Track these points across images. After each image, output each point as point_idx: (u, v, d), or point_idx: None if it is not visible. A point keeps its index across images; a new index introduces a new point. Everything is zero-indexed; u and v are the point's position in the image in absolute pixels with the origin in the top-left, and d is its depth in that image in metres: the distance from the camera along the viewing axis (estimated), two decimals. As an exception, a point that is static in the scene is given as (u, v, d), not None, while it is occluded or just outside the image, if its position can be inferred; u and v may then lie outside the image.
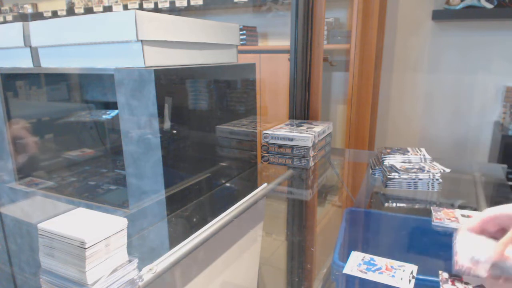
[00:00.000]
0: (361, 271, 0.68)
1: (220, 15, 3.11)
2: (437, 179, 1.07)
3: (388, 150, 1.24)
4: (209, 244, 0.76)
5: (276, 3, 2.79)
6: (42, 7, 4.00)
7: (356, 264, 0.70)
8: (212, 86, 1.06)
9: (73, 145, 1.42)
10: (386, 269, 0.68)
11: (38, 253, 0.59)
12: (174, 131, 0.91)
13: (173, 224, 0.91)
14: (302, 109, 1.61)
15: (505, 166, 1.27)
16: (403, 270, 0.67)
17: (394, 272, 0.67)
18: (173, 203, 0.93)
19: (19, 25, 1.06)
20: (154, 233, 0.91)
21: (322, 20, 1.56)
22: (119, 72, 0.88)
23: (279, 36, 2.91)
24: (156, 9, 3.07)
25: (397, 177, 1.08)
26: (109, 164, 1.40)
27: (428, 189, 1.07)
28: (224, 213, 0.86)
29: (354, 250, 0.75)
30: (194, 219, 0.94)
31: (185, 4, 2.93)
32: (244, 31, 2.71)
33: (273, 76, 2.37)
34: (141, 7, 3.13)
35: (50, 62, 1.03)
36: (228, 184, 1.17)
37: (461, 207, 0.94)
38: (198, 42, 1.04)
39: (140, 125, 0.88)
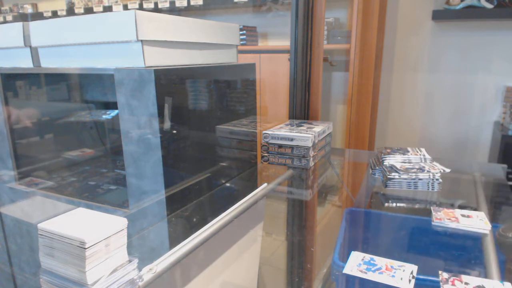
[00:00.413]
0: (361, 271, 0.68)
1: (220, 15, 3.11)
2: (437, 179, 1.07)
3: (388, 150, 1.24)
4: (209, 244, 0.76)
5: (276, 3, 2.79)
6: (42, 7, 4.00)
7: (356, 264, 0.70)
8: (212, 86, 1.06)
9: (73, 145, 1.41)
10: (386, 269, 0.68)
11: (38, 253, 0.59)
12: (174, 131, 0.91)
13: (173, 224, 0.91)
14: (302, 109, 1.61)
15: (505, 166, 1.27)
16: (403, 270, 0.67)
17: (394, 272, 0.67)
18: (173, 203, 0.93)
19: (19, 25, 1.06)
20: (154, 233, 0.91)
21: (322, 20, 1.56)
22: (119, 72, 0.88)
23: (279, 36, 2.91)
24: (156, 9, 3.07)
25: (397, 177, 1.08)
26: (109, 164, 1.40)
27: (428, 189, 1.07)
28: (224, 213, 0.86)
29: (354, 250, 0.75)
30: (194, 219, 0.94)
31: (185, 4, 2.93)
32: (244, 31, 2.71)
33: (273, 76, 2.37)
34: (141, 7, 3.13)
35: (50, 62, 1.03)
36: (228, 184, 1.17)
37: (461, 207, 0.94)
38: (198, 42, 1.04)
39: (140, 125, 0.88)
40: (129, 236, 0.61)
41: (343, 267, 0.69)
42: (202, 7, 2.90)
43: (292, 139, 1.28)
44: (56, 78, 1.35)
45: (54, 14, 3.66)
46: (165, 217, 0.92)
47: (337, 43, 2.46)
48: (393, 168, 1.11)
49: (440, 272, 0.65)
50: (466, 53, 2.33)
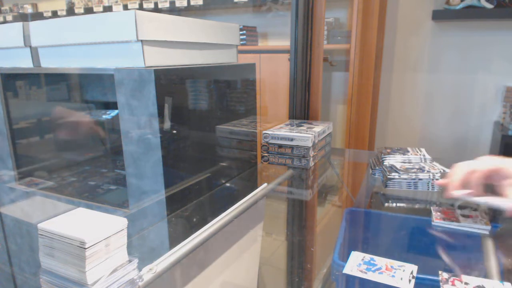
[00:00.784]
0: (361, 271, 0.68)
1: (220, 15, 3.11)
2: (437, 179, 1.07)
3: (388, 150, 1.24)
4: (209, 244, 0.76)
5: (276, 3, 2.79)
6: (42, 7, 4.00)
7: (356, 264, 0.70)
8: (212, 86, 1.06)
9: (73, 145, 1.41)
10: (386, 269, 0.68)
11: (38, 253, 0.59)
12: (174, 131, 0.92)
13: (173, 224, 0.91)
14: (302, 109, 1.61)
15: (505, 166, 1.26)
16: (403, 270, 0.67)
17: (394, 272, 0.67)
18: (173, 203, 0.93)
19: (19, 25, 1.06)
20: (154, 233, 0.91)
21: (322, 20, 1.56)
22: (119, 72, 0.88)
23: (279, 36, 2.91)
24: (156, 9, 3.07)
25: (397, 177, 1.08)
26: (109, 164, 1.40)
27: (428, 189, 1.07)
28: (224, 213, 0.86)
29: (354, 250, 0.75)
30: (194, 219, 0.94)
31: (185, 4, 2.93)
32: (244, 31, 2.71)
33: (273, 76, 2.37)
34: (141, 7, 3.13)
35: (50, 62, 1.03)
36: (228, 184, 1.17)
37: (461, 207, 0.94)
38: (198, 42, 1.04)
39: (140, 125, 0.88)
40: (129, 236, 0.61)
41: (343, 267, 0.69)
42: (202, 7, 2.90)
43: (292, 139, 1.28)
44: (56, 78, 1.35)
45: (54, 14, 3.66)
46: (165, 217, 0.92)
47: (337, 43, 2.46)
48: (393, 168, 1.11)
49: (440, 272, 0.65)
50: (466, 53, 2.33)
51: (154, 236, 0.90)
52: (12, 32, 1.07)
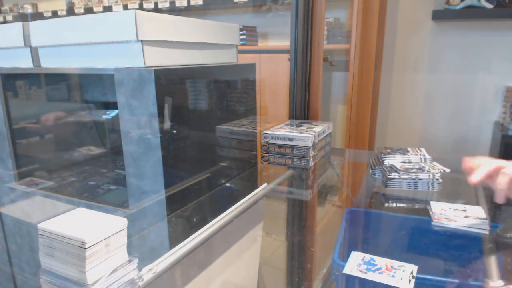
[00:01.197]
0: (361, 271, 0.68)
1: (220, 15, 3.11)
2: (437, 179, 1.07)
3: (388, 150, 1.24)
4: (209, 244, 0.76)
5: (276, 3, 2.79)
6: (42, 7, 4.00)
7: (356, 264, 0.70)
8: (212, 86, 1.06)
9: (73, 145, 1.41)
10: (386, 269, 0.68)
11: (38, 253, 0.59)
12: (174, 131, 0.91)
13: (173, 224, 0.91)
14: (302, 109, 1.61)
15: (505, 166, 1.26)
16: (403, 270, 0.67)
17: (394, 272, 0.67)
18: (173, 203, 0.93)
19: (19, 25, 1.06)
20: (154, 233, 0.91)
21: (322, 20, 1.56)
22: (119, 72, 0.88)
23: (279, 36, 2.91)
24: (156, 9, 3.07)
25: (397, 177, 1.08)
26: (109, 164, 1.40)
27: (428, 189, 1.07)
28: (224, 213, 0.86)
29: (354, 250, 0.75)
30: (194, 219, 0.94)
31: (185, 4, 2.93)
32: (244, 31, 2.71)
33: (273, 76, 2.37)
34: (141, 7, 3.13)
35: (50, 62, 1.03)
36: (228, 184, 1.17)
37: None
38: (198, 42, 1.04)
39: (140, 125, 0.88)
40: (129, 236, 0.61)
41: (343, 267, 0.69)
42: (202, 7, 2.90)
43: (292, 139, 1.28)
44: (56, 78, 1.35)
45: (54, 14, 3.66)
46: (165, 217, 0.92)
47: (337, 43, 2.46)
48: (393, 168, 1.11)
49: (485, 280, 0.64)
50: (466, 53, 2.33)
51: (154, 236, 0.90)
52: (12, 32, 1.07)
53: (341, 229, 0.88)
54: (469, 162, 0.85)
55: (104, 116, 1.43)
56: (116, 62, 0.91)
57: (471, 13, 2.15)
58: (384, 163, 1.15)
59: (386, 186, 1.08)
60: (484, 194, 1.06)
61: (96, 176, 1.27)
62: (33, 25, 1.02)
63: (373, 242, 0.90)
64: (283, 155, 1.31)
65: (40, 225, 0.58)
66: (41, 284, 0.58)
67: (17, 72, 1.17)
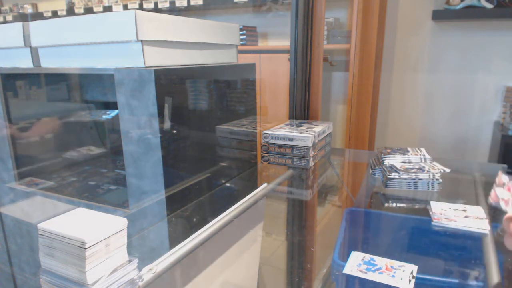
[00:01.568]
0: (361, 271, 0.68)
1: (220, 15, 3.11)
2: (437, 179, 1.07)
3: (388, 150, 1.24)
4: (209, 244, 0.76)
5: (276, 3, 2.79)
6: (42, 7, 4.00)
7: (356, 264, 0.70)
8: (212, 86, 1.06)
9: (73, 145, 1.41)
10: (386, 269, 0.68)
11: (38, 253, 0.59)
12: (174, 131, 0.91)
13: (173, 224, 0.91)
14: (302, 109, 1.61)
15: (505, 166, 1.27)
16: (403, 270, 0.67)
17: (394, 272, 0.67)
18: (173, 203, 0.93)
19: (19, 25, 1.06)
20: (154, 233, 0.91)
21: (322, 20, 1.56)
22: (119, 72, 0.88)
23: (279, 36, 2.91)
24: (156, 9, 3.07)
25: (397, 177, 1.08)
26: (109, 164, 1.40)
27: (428, 189, 1.07)
28: (224, 213, 0.86)
29: (354, 250, 0.75)
30: (194, 219, 0.94)
31: (185, 4, 2.93)
32: (244, 31, 2.71)
33: (273, 76, 2.37)
34: (141, 7, 3.13)
35: (50, 62, 1.03)
36: (228, 184, 1.17)
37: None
38: (198, 42, 1.04)
39: (140, 125, 0.88)
40: (129, 236, 0.61)
41: (343, 267, 0.69)
42: (202, 7, 2.90)
43: (292, 139, 1.28)
44: (56, 78, 1.35)
45: (54, 14, 3.66)
46: (165, 217, 0.92)
47: (337, 43, 2.46)
48: (393, 168, 1.11)
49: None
50: (466, 53, 2.33)
51: (154, 236, 0.90)
52: (12, 32, 1.07)
53: (341, 229, 0.88)
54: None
55: (104, 116, 1.43)
56: (116, 62, 0.91)
57: (471, 13, 2.15)
58: (384, 163, 1.15)
59: (386, 186, 1.08)
60: (484, 194, 1.06)
61: (96, 176, 1.27)
62: (33, 25, 1.02)
63: (373, 242, 0.90)
64: (283, 155, 1.31)
65: (40, 225, 0.58)
66: (41, 284, 0.58)
67: (17, 72, 1.17)
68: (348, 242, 0.84)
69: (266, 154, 1.33)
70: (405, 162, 1.15)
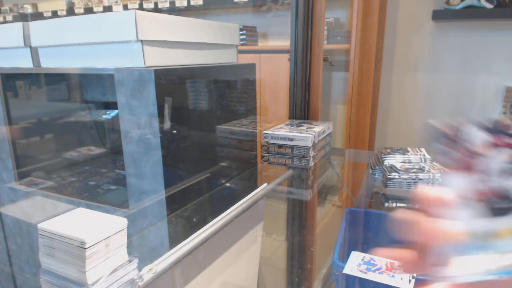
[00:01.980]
0: (361, 271, 0.68)
1: (220, 15, 3.11)
2: (437, 179, 1.07)
3: (388, 150, 1.24)
4: (209, 244, 0.76)
5: (276, 3, 2.79)
6: (42, 7, 4.00)
7: (356, 264, 0.70)
8: (212, 86, 1.06)
9: (73, 145, 1.42)
10: (386, 269, 0.68)
11: (38, 253, 0.59)
12: (174, 131, 0.92)
13: (173, 224, 0.91)
14: (302, 109, 1.61)
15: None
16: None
17: (394, 272, 0.67)
18: (173, 203, 0.93)
19: (19, 25, 1.06)
20: (154, 233, 0.91)
21: (322, 20, 1.56)
22: (119, 72, 0.88)
23: (279, 36, 2.91)
24: (156, 9, 3.07)
25: (397, 177, 1.08)
26: (109, 164, 1.40)
27: (428, 189, 1.07)
28: (224, 213, 0.86)
29: (354, 250, 0.75)
30: (194, 219, 0.94)
31: (185, 4, 2.93)
32: (244, 31, 2.71)
33: (273, 76, 2.37)
34: (141, 7, 3.13)
35: (50, 62, 1.03)
36: (228, 184, 1.17)
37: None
38: (198, 42, 1.04)
39: (140, 125, 0.88)
40: (129, 236, 0.61)
41: (343, 267, 0.69)
42: (202, 7, 2.90)
43: (292, 139, 1.28)
44: (56, 78, 1.35)
45: (54, 14, 3.66)
46: (165, 217, 0.92)
47: (337, 43, 2.46)
48: (393, 168, 1.11)
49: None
50: (466, 53, 2.33)
51: (154, 236, 0.90)
52: (12, 32, 1.07)
53: (341, 229, 0.88)
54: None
55: (104, 116, 1.43)
56: (116, 62, 0.91)
57: (471, 13, 2.15)
58: (384, 163, 1.15)
59: (386, 186, 1.08)
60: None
61: (96, 176, 1.27)
62: (33, 25, 1.02)
63: (373, 242, 0.90)
64: (283, 155, 1.31)
65: (40, 225, 0.58)
66: (41, 284, 0.58)
67: (17, 72, 1.17)
68: (348, 242, 0.84)
69: (266, 154, 1.33)
70: (405, 162, 1.15)
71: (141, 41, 0.86)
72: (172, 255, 0.68)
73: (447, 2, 2.21)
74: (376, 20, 2.13)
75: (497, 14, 2.09)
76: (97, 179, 1.25)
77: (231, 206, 0.89)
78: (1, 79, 1.15)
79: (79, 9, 3.54)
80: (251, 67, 1.26)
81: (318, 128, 1.38)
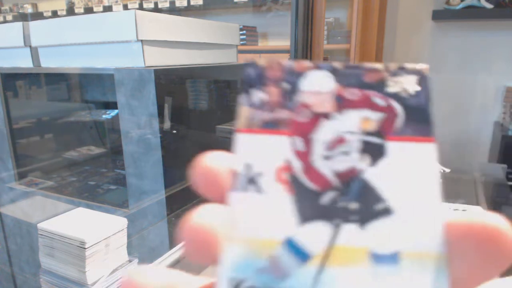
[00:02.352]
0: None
1: (220, 15, 3.11)
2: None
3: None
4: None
5: (276, 3, 2.79)
6: (42, 7, 3.99)
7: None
8: (212, 86, 1.06)
9: (73, 145, 1.41)
10: None
11: (38, 253, 0.59)
12: (174, 131, 0.91)
13: (173, 224, 0.91)
14: (302, 109, 1.61)
15: (505, 166, 1.27)
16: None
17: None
18: (173, 203, 0.93)
19: (19, 25, 1.06)
20: (154, 233, 0.91)
21: (322, 20, 1.56)
22: (119, 72, 0.88)
23: (279, 36, 2.91)
24: (156, 9, 3.06)
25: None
26: (109, 164, 1.40)
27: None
28: (224, 213, 0.86)
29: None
30: (194, 219, 0.94)
31: (185, 4, 2.93)
32: (244, 31, 2.71)
33: (273, 76, 2.37)
34: (141, 7, 3.13)
35: (50, 62, 1.03)
36: (228, 184, 1.17)
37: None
38: (198, 42, 1.04)
39: (140, 125, 0.88)
40: (129, 236, 0.61)
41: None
42: (202, 7, 2.90)
43: (292, 139, 1.27)
44: (56, 78, 1.35)
45: (54, 14, 3.66)
46: (165, 217, 0.92)
47: (337, 43, 2.46)
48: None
49: None
50: (466, 53, 2.33)
51: (154, 236, 0.90)
52: (12, 32, 1.07)
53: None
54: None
55: (104, 116, 1.43)
56: (116, 62, 0.90)
57: (471, 13, 2.15)
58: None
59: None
60: (484, 194, 1.06)
61: (96, 176, 1.27)
62: (33, 25, 1.02)
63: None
64: (283, 155, 1.30)
65: (40, 225, 0.58)
66: (41, 284, 0.58)
67: (17, 72, 1.17)
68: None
69: (266, 154, 1.33)
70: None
71: (141, 41, 0.86)
72: (172, 255, 0.68)
73: (447, 2, 2.21)
74: (376, 20, 2.13)
75: (497, 14, 2.09)
76: (97, 179, 1.25)
77: (231, 206, 0.89)
78: (1, 79, 1.15)
79: (79, 9, 3.53)
80: (251, 67, 1.26)
81: (318, 128, 1.38)
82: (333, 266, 0.13)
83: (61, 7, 3.68)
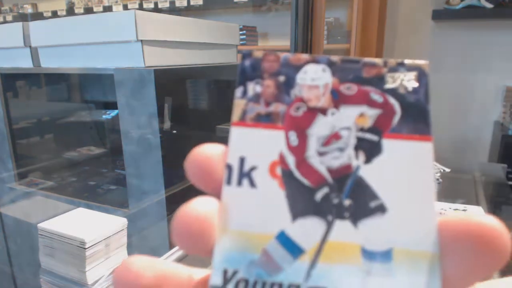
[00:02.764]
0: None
1: (220, 15, 3.11)
2: (437, 179, 1.07)
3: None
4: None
5: (276, 3, 2.79)
6: (42, 7, 3.99)
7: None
8: (212, 86, 1.06)
9: (73, 145, 1.42)
10: None
11: (38, 253, 0.59)
12: (174, 131, 0.91)
13: (173, 224, 0.91)
14: (302, 109, 1.61)
15: (505, 166, 1.27)
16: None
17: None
18: (173, 203, 0.93)
19: (19, 25, 1.06)
20: (154, 233, 0.91)
21: (322, 20, 1.56)
22: (119, 72, 0.88)
23: (279, 36, 2.91)
24: (156, 9, 3.06)
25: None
26: (109, 164, 1.40)
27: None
28: (224, 213, 0.86)
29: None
30: (194, 219, 0.94)
31: (185, 4, 2.93)
32: (244, 31, 2.71)
33: (273, 76, 2.37)
34: (141, 7, 3.13)
35: (50, 62, 1.03)
36: (228, 184, 1.17)
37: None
38: (198, 42, 1.04)
39: (140, 125, 0.88)
40: (129, 236, 0.61)
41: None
42: (202, 7, 2.90)
43: (292, 139, 1.27)
44: (56, 78, 1.35)
45: (54, 14, 3.66)
46: (165, 217, 0.92)
47: (337, 43, 2.46)
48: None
49: None
50: (466, 53, 2.33)
51: (154, 236, 0.90)
52: (12, 32, 1.07)
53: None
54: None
55: (104, 116, 1.43)
56: (116, 62, 0.91)
57: (471, 13, 2.15)
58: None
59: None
60: (484, 194, 1.06)
61: (96, 176, 1.27)
62: (33, 25, 1.02)
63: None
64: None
65: (40, 225, 0.58)
66: (41, 284, 0.58)
67: (17, 72, 1.17)
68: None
69: (266, 154, 1.33)
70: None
71: (141, 41, 0.86)
72: (172, 255, 0.68)
73: (447, 2, 2.21)
74: (376, 20, 2.13)
75: (497, 14, 2.09)
76: (97, 179, 1.25)
77: (231, 206, 0.89)
78: (1, 79, 1.15)
79: (79, 9, 3.53)
80: (251, 67, 1.26)
81: (318, 128, 1.38)
82: (325, 262, 0.13)
83: (61, 7, 3.69)
